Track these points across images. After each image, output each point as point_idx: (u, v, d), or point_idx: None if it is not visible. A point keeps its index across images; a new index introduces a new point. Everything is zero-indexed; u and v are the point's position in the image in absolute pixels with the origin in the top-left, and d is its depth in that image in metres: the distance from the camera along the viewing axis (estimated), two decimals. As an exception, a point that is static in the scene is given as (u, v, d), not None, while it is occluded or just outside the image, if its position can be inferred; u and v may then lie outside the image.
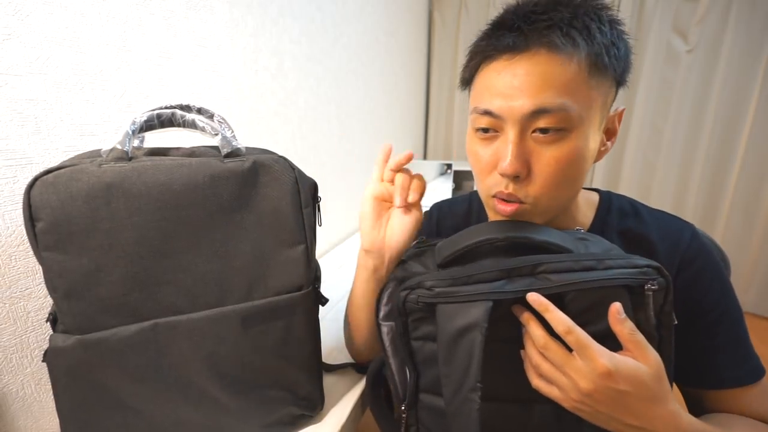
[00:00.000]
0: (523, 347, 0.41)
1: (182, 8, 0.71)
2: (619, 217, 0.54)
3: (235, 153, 0.45)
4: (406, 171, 0.52)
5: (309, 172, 0.50)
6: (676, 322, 0.40)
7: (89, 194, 0.39)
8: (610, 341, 0.36)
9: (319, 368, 0.54)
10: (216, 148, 0.47)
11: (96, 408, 0.43)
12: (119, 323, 0.42)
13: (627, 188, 2.15)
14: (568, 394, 0.37)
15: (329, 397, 0.59)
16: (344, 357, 0.67)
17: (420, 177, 0.52)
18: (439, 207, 0.70)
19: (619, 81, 0.45)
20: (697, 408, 0.50)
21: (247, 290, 0.47)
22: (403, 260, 0.50)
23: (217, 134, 0.45)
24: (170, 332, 0.44)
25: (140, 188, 0.41)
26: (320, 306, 0.54)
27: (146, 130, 0.45)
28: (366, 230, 0.52)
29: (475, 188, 0.60)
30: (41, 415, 0.54)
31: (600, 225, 0.54)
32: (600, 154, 0.48)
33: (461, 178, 2.18)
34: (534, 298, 0.37)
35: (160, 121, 0.45)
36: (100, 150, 0.44)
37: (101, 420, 0.44)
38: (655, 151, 2.07)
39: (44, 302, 0.53)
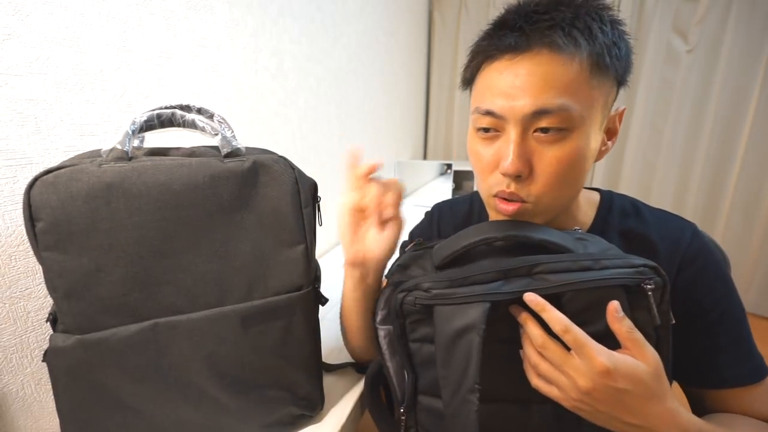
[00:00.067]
0: (521, 347, 0.41)
1: (182, 8, 0.71)
2: (620, 216, 0.54)
3: (235, 153, 0.45)
4: (379, 180, 0.48)
5: (309, 172, 0.50)
6: (673, 322, 0.40)
7: (89, 194, 0.39)
8: (608, 341, 0.36)
9: (318, 368, 0.54)
10: (216, 148, 0.47)
11: (96, 408, 0.43)
12: (119, 323, 0.42)
13: (627, 188, 2.15)
14: (568, 393, 0.37)
15: (329, 397, 0.59)
16: (344, 357, 0.67)
17: (395, 184, 0.49)
18: (439, 208, 0.70)
19: (620, 81, 0.45)
20: (699, 408, 0.50)
21: (247, 290, 0.47)
22: (400, 263, 0.50)
23: (217, 134, 0.45)
24: (170, 332, 0.44)
25: (140, 188, 0.41)
26: (320, 306, 0.54)
27: (146, 130, 0.45)
28: (346, 244, 0.50)
29: (475, 188, 0.60)
30: (41, 415, 0.55)
31: (601, 225, 0.54)
32: (601, 154, 0.48)
33: (461, 178, 2.18)
34: (531, 298, 0.37)
35: (160, 121, 0.45)
36: (100, 150, 0.44)
37: (101, 420, 0.44)
38: (655, 151, 2.07)
39: (44, 302, 0.53)
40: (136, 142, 0.49)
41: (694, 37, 1.88)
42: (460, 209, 0.66)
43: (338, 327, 0.62)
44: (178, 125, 0.46)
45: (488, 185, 0.47)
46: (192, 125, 0.45)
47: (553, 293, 0.38)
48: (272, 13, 0.95)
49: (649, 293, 0.38)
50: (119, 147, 0.42)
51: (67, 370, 0.42)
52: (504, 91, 0.43)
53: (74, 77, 0.54)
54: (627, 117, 2.05)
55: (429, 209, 0.71)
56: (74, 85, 0.55)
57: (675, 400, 0.37)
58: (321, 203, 0.51)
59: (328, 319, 0.81)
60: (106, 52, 0.58)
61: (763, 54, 1.78)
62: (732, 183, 1.95)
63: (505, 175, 0.44)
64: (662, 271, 0.39)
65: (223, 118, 0.48)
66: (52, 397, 0.43)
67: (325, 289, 0.55)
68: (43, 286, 0.42)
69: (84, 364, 0.42)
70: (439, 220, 0.68)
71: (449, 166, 2.16)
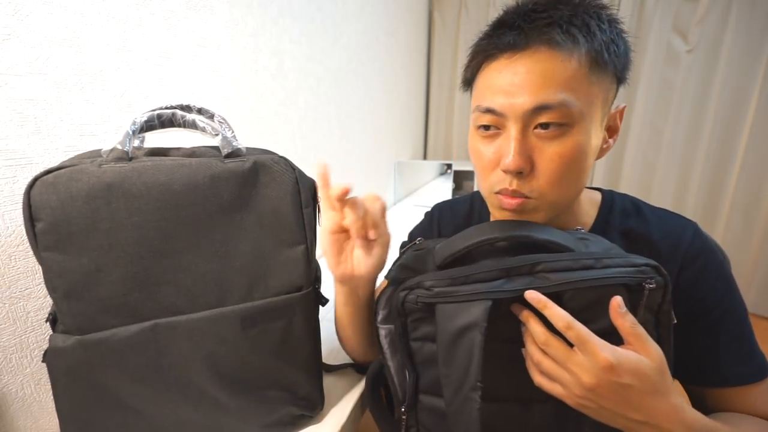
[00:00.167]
0: (523, 346, 0.41)
1: (182, 8, 0.71)
2: (622, 216, 0.54)
3: (235, 153, 0.45)
4: (357, 200, 0.44)
5: (309, 172, 0.50)
6: (675, 321, 0.40)
7: (89, 194, 0.39)
8: (610, 339, 0.36)
9: (318, 368, 0.54)
10: (216, 148, 0.47)
11: (96, 408, 0.43)
12: (119, 323, 0.42)
13: (627, 188, 2.15)
14: (572, 390, 0.37)
15: (329, 398, 0.59)
16: (344, 357, 0.67)
17: (372, 203, 0.46)
18: (440, 208, 0.70)
19: (620, 78, 0.45)
20: (701, 407, 0.50)
21: (247, 290, 0.47)
22: (400, 263, 0.49)
23: (217, 134, 0.45)
24: (170, 332, 0.44)
25: (140, 188, 0.41)
26: (320, 306, 0.54)
27: (146, 131, 0.45)
28: (331, 266, 0.48)
29: (476, 188, 0.60)
30: (41, 415, 0.54)
31: (602, 224, 0.54)
32: (602, 152, 0.48)
33: (461, 178, 2.18)
34: (532, 295, 0.37)
35: (160, 121, 0.45)
36: (100, 150, 0.44)
37: (101, 420, 0.44)
38: (655, 151, 2.07)
39: (44, 302, 0.53)
40: (136, 143, 0.49)
41: (694, 37, 1.88)
42: (461, 209, 0.66)
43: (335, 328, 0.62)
44: (179, 125, 0.46)
45: (490, 183, 0.47)
46: (192, 125, 0.45)
47: (555, 292, 0.38)
48: (272, 13, 0.95)
49: (648, 292, 0.38)
50: (119, 147, 0.42)
51: (66, 371, 0.42)
52: (504, 88, 0.43)
53: (74, 77, 0.54)
54: (627, 117, 2.06)
55: (429, 209, 0.71)
56: (74, 85, 0.55)
57: (679, 396, 0.37)
58: (321, 203, 0.51)
59: (328, 319, 0.81)
60: (106, 52, 0.58)
61: (763, 54, 1.78)
62: (732, 183, 1.95)
63: (506, 172, 0.44)
64: (664, 270, 0.39)
65: (223, 119, 0.48)
66: (52, 397, 0.43)
67: (325, 290, 0.55)
68: (43, 286, 0.42)
69: (84, 364, 0.41)
70: (439, 220, 0.68)
71: (449, 166, 2.16)
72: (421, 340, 0.45)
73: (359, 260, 0.47)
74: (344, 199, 0.43)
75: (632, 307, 0.38)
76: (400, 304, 0.44)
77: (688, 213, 2.04)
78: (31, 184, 0.38)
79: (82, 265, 0.40)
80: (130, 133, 0.43)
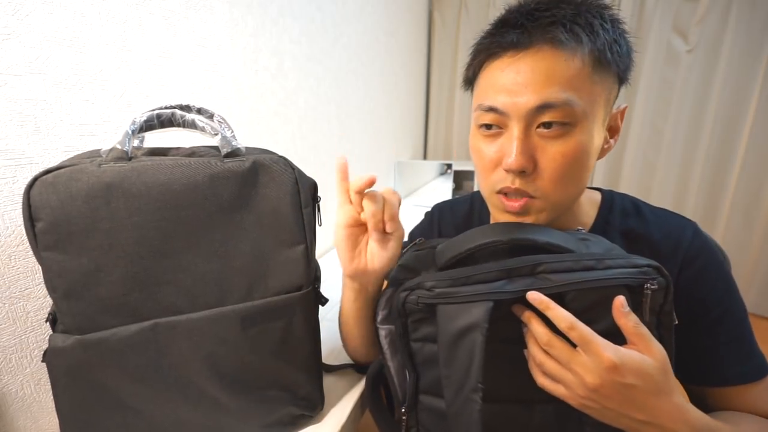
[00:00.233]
0: (524, 347, 0.41)
1: (182, 8, 0.71)
2: (622, 216, 0.54)
3: (234, 153, 0.45)
4: (374, 193, 0.45)
5: (309, 172, 0.50)
6: (676, 322, 0.40)
7: (89, 194, 0.39)
8: (612, 340, 0.36)
9: (318, 368, 0.54)
10: (216, 148, 0.47)
11: (96, 408, 0.43)
12: (119, 323, 0.42)
13: (627, 188, 2.15)
14: (575, 390, 0.37)
15: (329, 398, 0.59)
16: (344, 357, 0.67)
17: (390, 196, 0.46)
18: (440, 208, 0.70)
19: (622, 78, 0.45)
20: (701, 406, 0.50)
21: (246, 290, 0.46)
22: (401, 263, 0.49)
23: (216, 134, 0.45)
24: (170, 332, 0.43)
25: (140, 188, 0.41)
26: (320, 306, 0.54)
27: (146, 130, 0.45)
28: (344, 260, 0.47)
29: (476, 188, 0.60)
30: (41, 416, 0.54)
31: (602, 224, 0.54)
32: (603, 152, 0.48)
33: (461, 178, 2.18)
34: (534, 296, 0.37)
35: (160, 121, 0.45)
36: (99, 150, 0.44)
37: (101, 420, 0.44)
38: (656, 151, 2.07)
39: (44, 302, 0.53)
40: (135, 142, 0.49)
41: (694, 37, 1.88)
42: (461, 209, 0.66)
43: (338, 327, 0.61)
44: (178, 125, 0.45)
45: (491, 182, 0.47)
46: (192, 125, 0.45)
47: (556, 293, 0.38)
48: (272, 13, 0.95)
49: (649, 293, 0.38)
50: (119, 147, 0.42)
51: (66, 371, 0.41)
52: (507, 87, 0.43)
53: (74, 77, 0.54)
54: (627, 117, 2.05)
55: (429, 209, 0.71)
56: (74, 85, 0.54)
57: (682, 395, 0.37)
58: (321, 203, 0.51)
59: (328, 319, 0.81)
60: (106, 52, 0.58)
61: (763, 54, 1.78)
62: (732, 183, 1.95)
63: (508, 171, 0.44)
64: (665, 271, 0.39)
65: (223, 118, 0.48)
66: (52, 397, 0.43)
67: (325, 289, 0.55)
68: (43, 286, 0.42)
69: (84, 364, 0.41)
70: (439, 220, 0.68)
71: (449, 166, 2.16)
72: (421, 341, 0.45)
73: (374, 254, 0.47)
74: (364, 192, 0.44)
75: (634, 307, 0.38)
76: (400, 305, 0.44)
77: (688, 213, 2.04)
78: (30, 183, 0.38)
79: (82, 264, 0.40)
80: (130, 132, 0.43)
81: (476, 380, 0.37)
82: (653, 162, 2.09)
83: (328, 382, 0.61)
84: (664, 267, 0.39)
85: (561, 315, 0.36)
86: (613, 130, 0.49)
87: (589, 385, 0.35)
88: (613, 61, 0.42)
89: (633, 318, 0.36)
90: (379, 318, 0.48)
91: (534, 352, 0.39)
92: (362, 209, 0.45)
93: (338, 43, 1.29)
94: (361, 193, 0.44)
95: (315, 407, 0.54)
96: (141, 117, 0.44)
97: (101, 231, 0.40)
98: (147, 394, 0.44)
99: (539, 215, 0.46)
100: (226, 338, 0.45)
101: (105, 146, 0.43)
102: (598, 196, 0.57)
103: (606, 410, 0.37)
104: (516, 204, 0.45)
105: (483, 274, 0.40)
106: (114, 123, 0.60)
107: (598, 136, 0.45)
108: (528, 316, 0.39)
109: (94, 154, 0.44)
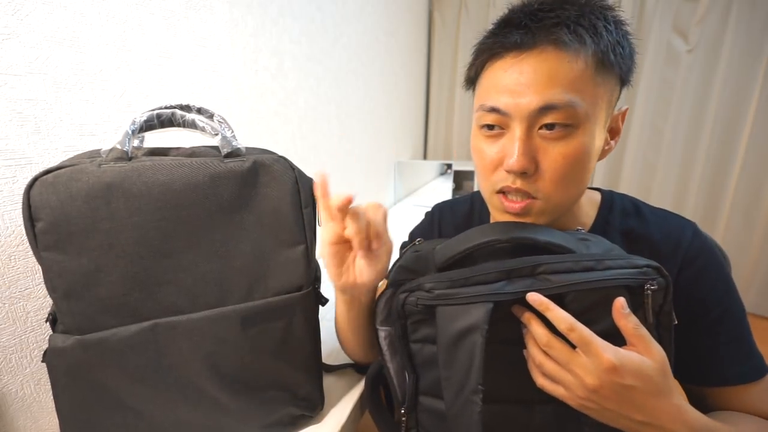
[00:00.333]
0: (523, 348, 0.41)
1: (182, 8, 0.71)
2: (622, 216, 0.54)
3: (235, 153, 0.45)
4: (358, 209, 0.44)
5: (309, 172, 0.49)
6: (676, 322, 0.40)
7: (89, 194, 0.39)
8: (612, 341, 0.36)
9: (318, 368, 0.54)
10: (216, 148, 0.47)
11: (96, 408, 0.43)
12: (119, 323, 0.42)
13: (627, 189, 2.15)
14: (575, 391, 0.37)
15: (329, 398, 0.59)
16: (344, 357, 0.67)
17: (375, 213, 0.45)
18: (440, 208, 0.70)
19: (624, 80, 0.45)
20: (700, 406, 0.50)
21: (247, 290, 0.46)
22: (400, 264, 0.49)
23: (217, 134, 0.45)
24: (170, 332, 0.43)
25: (140, 188, 0.40)
26: (320, 306, 0.53)
27: (146, 130, 0.45)
28: (333, 276, 0.47)
29: (476, 188, 0.60)
30: (41, 416, 0.54)
31: (602, 224, 0.54)
32: (604, 153, 0.48)
33: (461, 178, 2.18)
34: (534, 297, 0.37)
35: (160, 121, 0.45)
36: (99, 150, 0.44)
37: (101, 420, 0.44)
38: (656, 151, 2.07)
39: (44, 302, 0.53)
40: (135, 142, 0.49)
41: (694, 37, 1.88)
42: (461, 209, 0.66)
43: (335, 333, 0.61)
44: (178, 125, 0.45)
45: (492, 182, 0.47)
46: (192, 125, 0.45)
47: (556, 294, 0.38)
48: (272, 13, 0.95)
49: (650, 293, 0.38)
50: (119, 147, 0.42)
51: (66, 371, 0.41)
52: (509, 88, 0.42)
53: (74, 77, 0.54)
54: (627, 117, 2.04)
55: (429, 209, 0.71)
56: (74, 85, 0.54)
57: (681, 396, 0.37)
58: (320, 214, 0.50)
59: (328, 319, 0.81)
60: (106, 52, 0.58)
61: (763, 54, 1.78)
62: (732, 183, 1.94)
63: (509, 172, 0.44)
64: (665, 271, 0.39)
65: (223, 118, 0.48)
66: (52, 397, 0.43)
67: (325, 289, 0.55)
68: (43, 286, 0.42)
69: (84, 364, 0.41)
70: (439, 220, 0.68)
71: (449, 166, 2.16)
72: (421, 342, 0.45)
73: (362, 270, 0.46)
74: (345, 210, 0.42)
75: (635, 308, 0.38)
76: (400, 307, 0.44)
77: (688, 213, 2.04)
78: (30, 183, 0.38)
79: (82, 265, 0.40)
80: (130, 132, 0.43)
81: (476, 382, 0.37)
82: (653, 162, 2.09)
83: (328, 382, 0.61)
84: (663, 267, 0.39)
85: (561, 316, 0.36)
86: (613, 132, 0.49)
87: (588, 386, 0.35)
88: (616, 62, 0.42)
89: (633, 319, 0.36)
90: (379, 319, 0.48)
91: (533, 353, 0.39)
92: (345, 226, 0.43)
93: (338, 43, 1.29)
94: (343, 211, 0.42)
95: (315, 407, 0.54)
96: (141, 117, 0.44)
97: (101, 231, 0.40)
98: (147, 394, 0.44)
99: (539, 216, 0.46)
100: (226, 338, 0.45)
101: (105, 146, 0.43)
102: (597, 196, 0.57)
103: (605, 411, 0.37)
104: (517, 205, 0.45)
105: (482, 275, 0.40)
106: (114, 123, 0.60)
107: (599, 137, 0.45)
108: (528, 317, 0.39)
109: (94, 154, 0.44)
